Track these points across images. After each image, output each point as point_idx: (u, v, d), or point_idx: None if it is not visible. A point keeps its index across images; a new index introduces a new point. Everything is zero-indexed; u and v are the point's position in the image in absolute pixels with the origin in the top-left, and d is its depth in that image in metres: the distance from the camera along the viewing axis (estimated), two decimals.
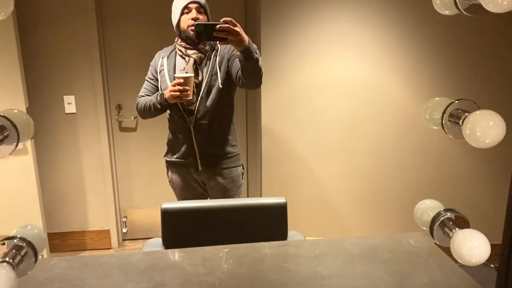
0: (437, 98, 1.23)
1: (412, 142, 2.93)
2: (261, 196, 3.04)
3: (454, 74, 2.84)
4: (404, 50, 2.81)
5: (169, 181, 2.35)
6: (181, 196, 2.34)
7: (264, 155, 2.94)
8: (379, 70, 2.83)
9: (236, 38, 1.73)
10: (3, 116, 0.89)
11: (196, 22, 1.85)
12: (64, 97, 2.98)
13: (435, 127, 1.22)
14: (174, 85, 1.97)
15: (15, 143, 0.91)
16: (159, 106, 2.09)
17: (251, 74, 1.93)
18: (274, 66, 2.79)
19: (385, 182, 3.01)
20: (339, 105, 2.88)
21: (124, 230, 3.36)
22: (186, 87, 1.96)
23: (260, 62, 1.90)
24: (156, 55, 2.28)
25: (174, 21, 2.15)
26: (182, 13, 2.09)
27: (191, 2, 2.07)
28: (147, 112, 2.16)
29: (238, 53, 1.87)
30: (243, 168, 2.34)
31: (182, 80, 1.95)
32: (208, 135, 2.17)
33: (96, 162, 3.12)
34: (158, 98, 2.08)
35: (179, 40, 2.18)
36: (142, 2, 2.99)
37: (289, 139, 2.93)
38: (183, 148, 2.20)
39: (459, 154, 2.95)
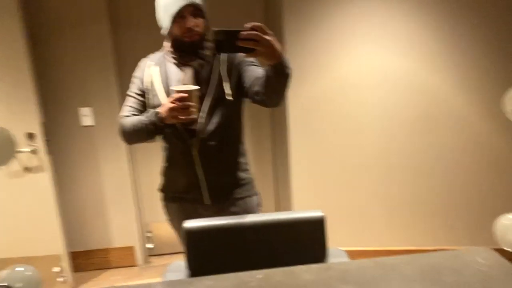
0: None
1: (461, 143, 2.68)
2: (291, 209, 2.82)
3: None
4: (452, 41, 2.56)
5: (169, 221, 1.87)
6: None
7: (292, 164, 2.73)
8: (419, 64, 2.58)
9: (266, 50, 1.32)
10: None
11: (214, 29, 1.33)
12: (79, 109, 2.85)
13: None
14: (173, 102, 1.54)
15: None
16: (153, 128, 1.63)
17: (276, 92, 1.52)
18: (301, 63, 2.58)
19: (427, 190, 2.75)
20: (376, 106, 2.65)
21: (150, 246, 3.20)
22: (190, 103, 1.54)
23: (290, 77, 1.47)
24: (141, 63, 1.83)
25: (164, 26, 1.72)
26: (174, 21, 1.66)
27: (185, 6, 1.62)
28: (135, 135, 1.69)
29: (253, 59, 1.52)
30: (260, 198, 1.89)
31: (186, 95, 1.53)
32: (215, 161, 1.73)
33: (117, 175, 2.97)
34: (153, 118, 1.62)
35: (170, 46, 1.75)
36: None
37: (321, 143, 2.71)
38: (184, 180, 1.76)
39: None
